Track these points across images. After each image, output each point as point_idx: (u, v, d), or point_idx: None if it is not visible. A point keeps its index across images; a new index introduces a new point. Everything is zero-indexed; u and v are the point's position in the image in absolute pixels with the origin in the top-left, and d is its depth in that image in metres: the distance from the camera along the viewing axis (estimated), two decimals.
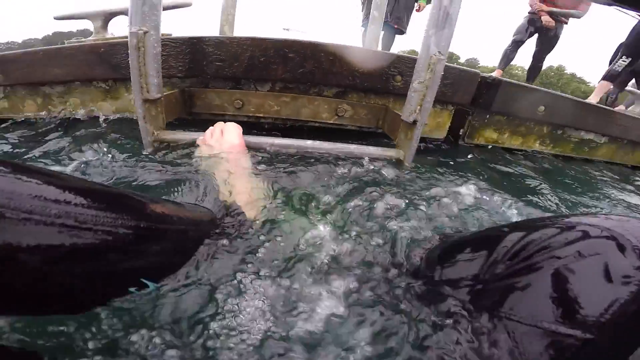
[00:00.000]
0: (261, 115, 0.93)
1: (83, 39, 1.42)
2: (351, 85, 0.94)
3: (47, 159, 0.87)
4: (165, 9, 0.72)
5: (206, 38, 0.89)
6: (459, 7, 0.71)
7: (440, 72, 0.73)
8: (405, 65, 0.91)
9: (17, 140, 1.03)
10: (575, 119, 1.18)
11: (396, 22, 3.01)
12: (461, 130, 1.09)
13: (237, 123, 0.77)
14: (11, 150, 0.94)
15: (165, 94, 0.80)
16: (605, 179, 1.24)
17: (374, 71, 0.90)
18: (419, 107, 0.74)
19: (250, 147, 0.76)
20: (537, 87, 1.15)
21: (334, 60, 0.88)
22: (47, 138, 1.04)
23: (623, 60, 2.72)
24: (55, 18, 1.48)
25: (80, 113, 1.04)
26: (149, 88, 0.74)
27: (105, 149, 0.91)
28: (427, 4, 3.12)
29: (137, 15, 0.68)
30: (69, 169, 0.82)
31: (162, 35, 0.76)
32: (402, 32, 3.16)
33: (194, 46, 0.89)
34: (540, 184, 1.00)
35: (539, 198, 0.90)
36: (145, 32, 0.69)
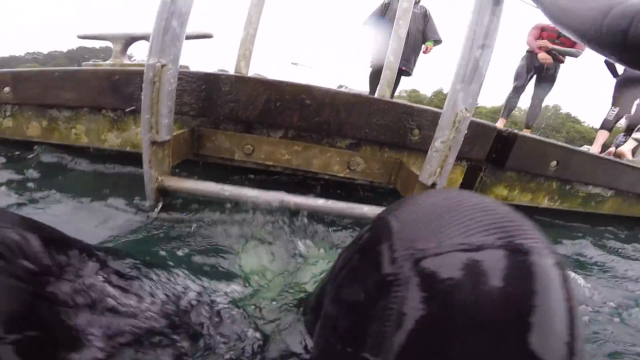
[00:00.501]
0: (271, 163, 0.89)
1: (101, 62, 1.42)
2: (366, 138, 0.91)
3: (39, 189, 0.82)
4: (186, 38, 0.69)
5: (224, 76, 0.86)
6: (489, 58, 0.66)
7: (464, 130, 0.69)
8: (424, 118, 0.89)
9: (12, 165, 0.98)
10: (584, 174, 1.17)
11: (403, 64, 3.03)
12: (473, 187, 1.05)
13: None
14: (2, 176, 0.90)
15: (174, 134, 0.77)
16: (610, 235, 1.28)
17: (393, 124, 0.88)
18: (439, 168, 0.71)
19: (259, 202, 0.71)
20: (552, 141, 1.13)
21: (351, 111, 0.86)
22: (44, 165, 0.99)
23: (612, 110, 2.96)
24: (78, 37, 1.49)
25: (84, 141, 1.00)
26: (159, 129, 0.70)
27: (102, 185, 0.87)
28: (434, 45, 3.18)
29: (157, 44, 0.64)
30: (62, 204, 0.77)
31: (180, 67, 0.72)
32: (408, 74, 3.20)
33: (210, 83, 0.86)
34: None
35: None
36: (163, 66, 0.65)
